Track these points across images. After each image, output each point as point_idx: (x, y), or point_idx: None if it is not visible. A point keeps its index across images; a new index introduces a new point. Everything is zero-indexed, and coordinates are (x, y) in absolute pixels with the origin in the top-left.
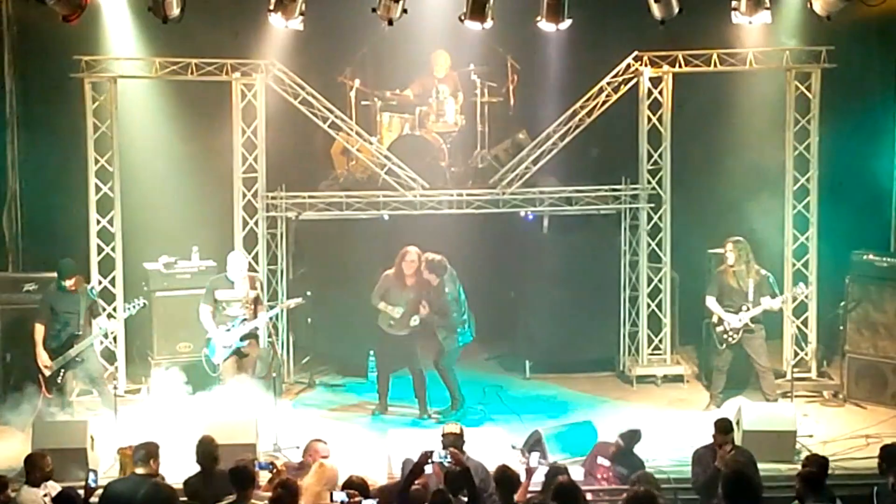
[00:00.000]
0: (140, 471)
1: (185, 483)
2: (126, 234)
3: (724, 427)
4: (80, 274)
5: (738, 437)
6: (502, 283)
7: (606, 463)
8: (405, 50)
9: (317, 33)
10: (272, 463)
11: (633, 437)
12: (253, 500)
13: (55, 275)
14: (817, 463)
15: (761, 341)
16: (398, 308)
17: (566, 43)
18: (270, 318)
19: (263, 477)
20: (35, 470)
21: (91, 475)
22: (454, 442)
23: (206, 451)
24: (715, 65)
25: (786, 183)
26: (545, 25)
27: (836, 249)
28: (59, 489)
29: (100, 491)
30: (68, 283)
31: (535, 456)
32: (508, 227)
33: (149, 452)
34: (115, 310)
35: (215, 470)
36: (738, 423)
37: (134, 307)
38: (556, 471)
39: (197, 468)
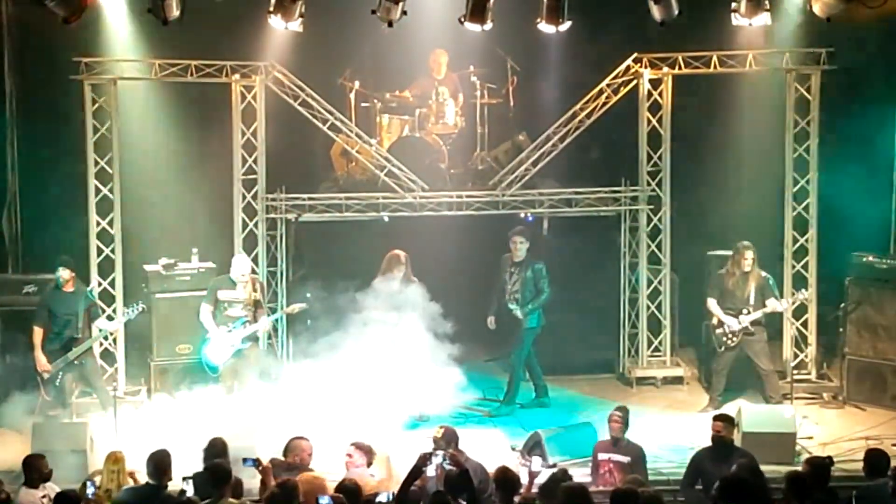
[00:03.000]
0: (152, 482)
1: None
2: (126, 236)
3: (721, 417)
4: (74, 271)
5: (738, 439)
6: None
7: (606, 456)
8: (405, 51)
9: (316, 35)
10: (257, 459)
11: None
12: (230, 500)
13: (54, 276)
14: (813, 465)
15: (763, 344)
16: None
17: (566, 44)
18: (271, 323)
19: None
20: (33, 471)
21: (89, 484)
22: (441, 445)
23: (215, 452)
24: (715, 67)
25: (785, 184)
26: (545, 27)
27: (836, 251)
28: (58, 490)
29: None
30: (66, 277)
31: (537, 460)
32: (508, 229)
33: (159, 464)
34: (115, 311)
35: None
36: (737, 424)
37: (133, 311)
38: (557, 477)
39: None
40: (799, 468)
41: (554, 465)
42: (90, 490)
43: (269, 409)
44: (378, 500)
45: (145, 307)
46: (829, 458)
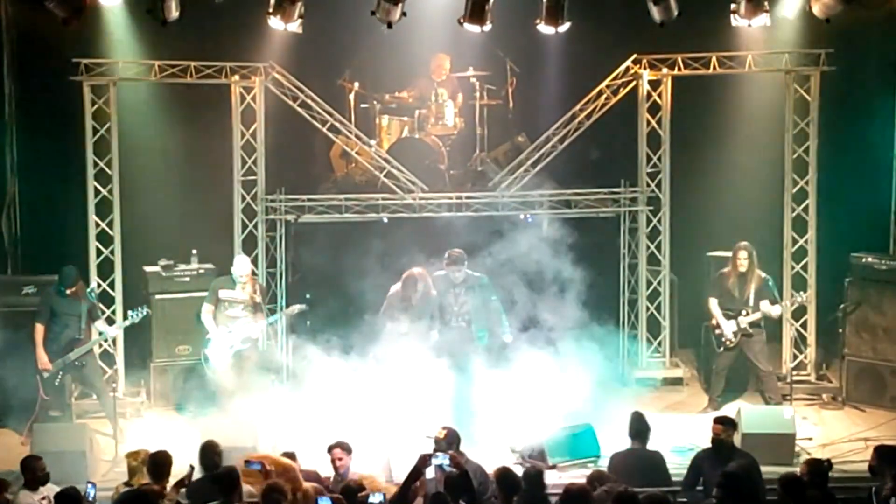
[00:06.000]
0: (148, 481)
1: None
2: (125, 237)
3: (722, 419)
4: (81, 281)
5: (737, 440)
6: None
7: None
8: (404, 53)
9: (316, 36)
10: (262, 462)
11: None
12: None
13: (55, 277)
14: (811, 466)
15: (761, 345)
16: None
17: (565, 45)
18: (270, 324)
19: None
20: (30, 473)
21: (89, 487)
22: (443, 447)
23: (209, 455)
24: (714, 68)
25: (784, 186)
26: (544, 28)
27: (835, 252)
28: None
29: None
30: (69, 291)
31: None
32: (508, 230)
33: (159, 464)
34: (114, 313)
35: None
36: (737, 425)
37: (137, 315)
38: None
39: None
40: (797, 469)
41: (553, 467)
42: (91, 492)
43: (269, 410)
44: (371, 500)
45: (150, 311)
46: (828, 460)
